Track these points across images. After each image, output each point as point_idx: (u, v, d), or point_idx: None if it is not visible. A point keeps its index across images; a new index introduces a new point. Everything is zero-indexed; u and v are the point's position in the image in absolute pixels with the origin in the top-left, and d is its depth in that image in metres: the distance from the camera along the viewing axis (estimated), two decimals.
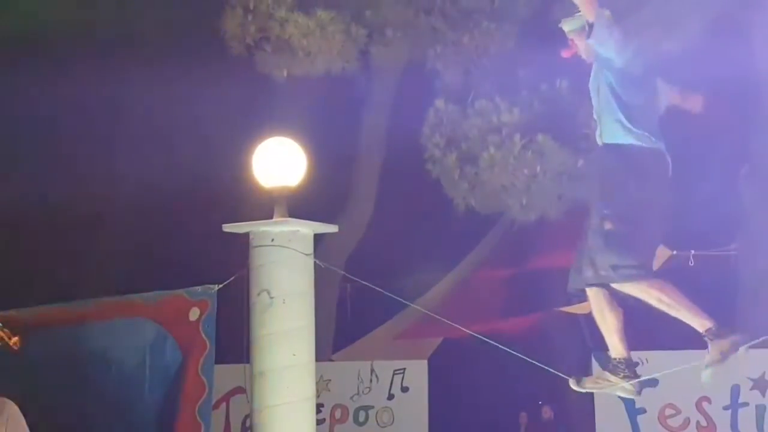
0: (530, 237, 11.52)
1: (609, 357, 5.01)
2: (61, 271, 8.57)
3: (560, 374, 5.66)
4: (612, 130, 4.35)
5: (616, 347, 4.48)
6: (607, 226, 4.23)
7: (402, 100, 10.46)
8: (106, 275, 6.50)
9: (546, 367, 5.08)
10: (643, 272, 4.24)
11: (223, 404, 7.51)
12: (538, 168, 8.62)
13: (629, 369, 4.46)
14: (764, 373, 5.79)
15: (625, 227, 4.21)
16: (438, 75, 9.51)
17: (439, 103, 9.20)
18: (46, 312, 5.70)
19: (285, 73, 9.08)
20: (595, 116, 4.52)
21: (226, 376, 6.41)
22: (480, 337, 5.59)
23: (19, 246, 9.40)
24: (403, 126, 10.08)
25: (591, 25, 4.27)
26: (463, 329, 5.73)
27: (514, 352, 5.23)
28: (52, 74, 9.00)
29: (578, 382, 4.86)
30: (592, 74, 4.47)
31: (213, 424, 5.80)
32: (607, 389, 4.73)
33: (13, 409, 3.98)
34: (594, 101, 4.50)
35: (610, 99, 4.35)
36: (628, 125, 4.29)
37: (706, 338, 4.27)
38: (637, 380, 4.48)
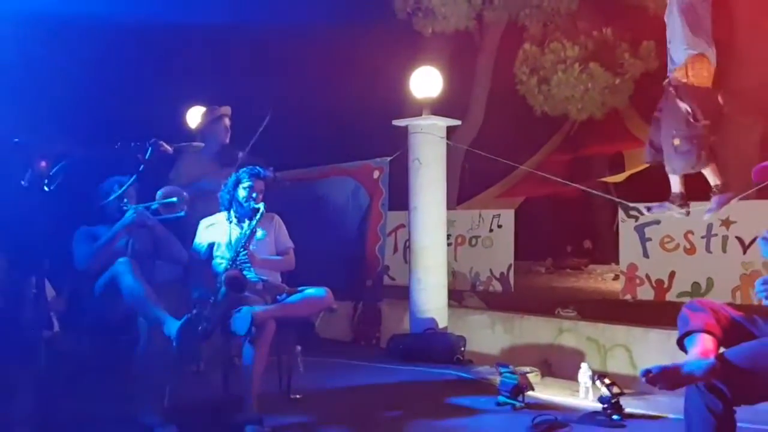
0: (582, 131, 11.21)
1: (636, 208, 4.65)
2: (314, 147, 8.53)
3: (632, 204, 5.42)
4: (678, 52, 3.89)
5: (677, 186, 4.28)
6: (676, 142, 3.89)
7: (502, 44, 10.08)
8: (325, 154, 6.80)
9: (615, 199, 4.56)
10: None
11: (393, 234, 7.61)
12: (589, 85, 8.33)
13: (683, 199, 4.30)
14: (728, 216, 5.56)
15: None
16: (526, 28, 9.21)
17: (526, 45, 8.93)
18: (297, 173, 6.08)
19: (430, 30, 9.00)
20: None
21: (395, 218, 6.57)
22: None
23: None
24: (503, 60, 9.82)
25: None
26: (561, 181, 5.54)
27: (571, 184, 4.77)
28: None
29: (648, 210, 4.76)
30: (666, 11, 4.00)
31: (387, 243, 5.99)
32: (667, 212, 4.47)
33: (278, 219, 3.98)
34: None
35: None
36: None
37: (713, 191, 4.09)
38: (687, 209, 4.29)
